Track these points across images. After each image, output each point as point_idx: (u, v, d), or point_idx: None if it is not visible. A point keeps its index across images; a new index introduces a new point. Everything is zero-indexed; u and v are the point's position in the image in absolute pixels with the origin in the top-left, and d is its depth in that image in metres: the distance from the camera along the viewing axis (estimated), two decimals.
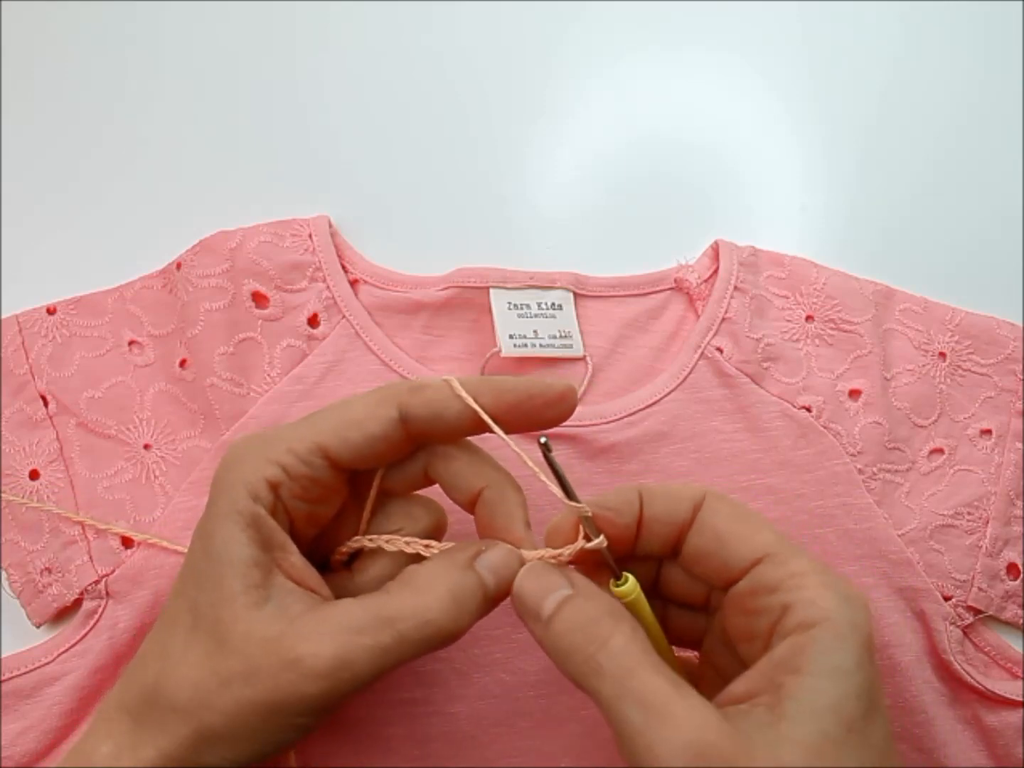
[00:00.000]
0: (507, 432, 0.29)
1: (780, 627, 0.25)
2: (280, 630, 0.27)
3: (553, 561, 0.29)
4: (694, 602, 0.31)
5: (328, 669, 0.26)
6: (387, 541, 0.30)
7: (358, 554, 0.32)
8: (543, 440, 0.28)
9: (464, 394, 0.29)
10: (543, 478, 0.29)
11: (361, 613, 0.27)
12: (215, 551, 0.28)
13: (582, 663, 0.26)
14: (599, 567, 0.30)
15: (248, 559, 0.28)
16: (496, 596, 0.29)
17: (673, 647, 0.31)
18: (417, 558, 0.30)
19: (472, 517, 0.31)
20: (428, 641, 0.27)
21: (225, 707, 0.27)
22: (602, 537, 0.29)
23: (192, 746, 0.27)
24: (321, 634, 0.27)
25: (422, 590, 0.28)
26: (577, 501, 0.28)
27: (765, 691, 0.25)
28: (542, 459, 0.28)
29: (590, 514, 0.28)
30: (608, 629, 0.26)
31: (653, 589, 0.31)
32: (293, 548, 0.29)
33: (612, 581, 0.29)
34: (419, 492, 0.32)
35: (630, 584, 0.29)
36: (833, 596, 0.25)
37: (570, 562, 0.29)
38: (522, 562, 0.29)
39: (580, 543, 0.29)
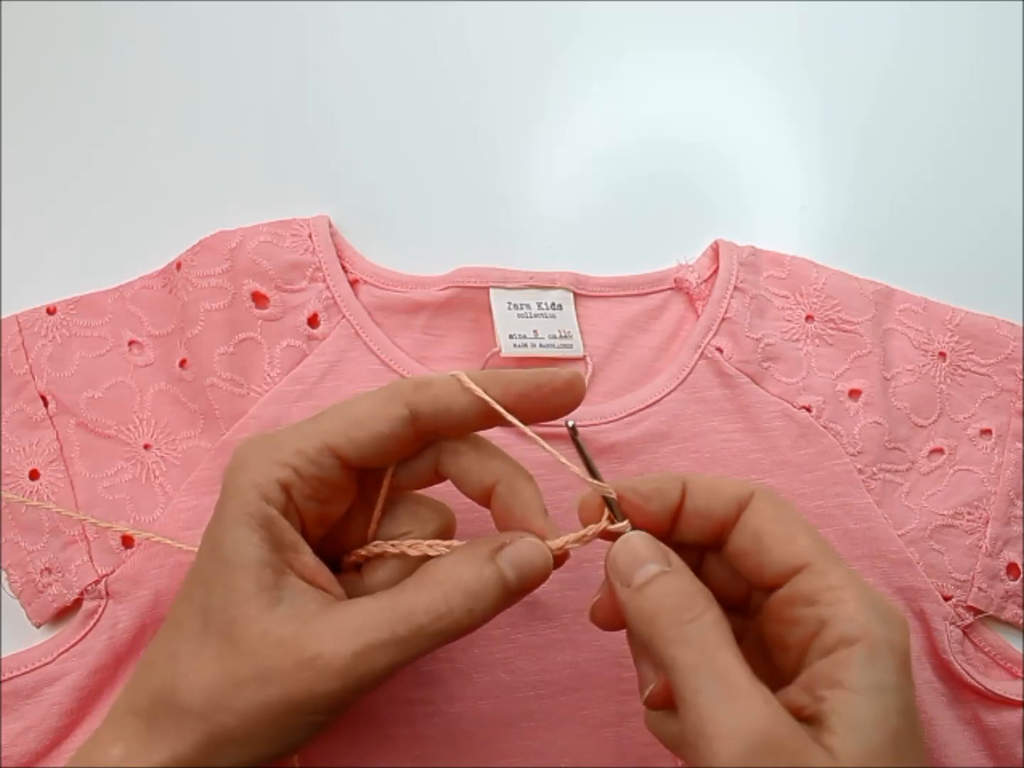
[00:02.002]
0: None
1: (818, 641, 0.25)
2: (295, 630, 0.27)
3: (576, 545, 0.29)
4: (735, 601, 0.30)
5: (346, 667, 0.26)
6: (410, 546, 0.30)
7: (370, 560, 0.32)
8: (570, 423, 0.28)
9: (474, 387, 0.29)
10: (562, 460, 0.29)
11: (377, 610, 0.28)
12: (226, 553, 0.28)
13: (668, 628, 0.26)
14: None
15: (260, 560, 0.28)
16: (519, 590, 0.29)
17: None
18: None
19: (480, 516, 0.31)
20: (444, 633, 0.27)
21: (240, 708, 0.27)
22: (626, 522, 0.29)
23: (206, 748, 0.27)
24: (338, 632, 0.27)
25: (439, 583, 0.28)
26: (601, 481, 0.28)
27: (808, 705, 0.25)
28: (527, 447, 0.28)
29: (613, 495, 0.29)
30: (702, 606, 0.26)
31: None
32: (306, 548, 0.29)
33: None
34: (429, 493, 0.32)
35: None
36: (871, 613, 0.25)
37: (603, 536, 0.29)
38: (549, 555, 0.29)
39: (603, 523, 0.29)
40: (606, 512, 0.29)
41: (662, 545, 0.28)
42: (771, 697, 0.24)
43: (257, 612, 0.27)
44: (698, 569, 0.31)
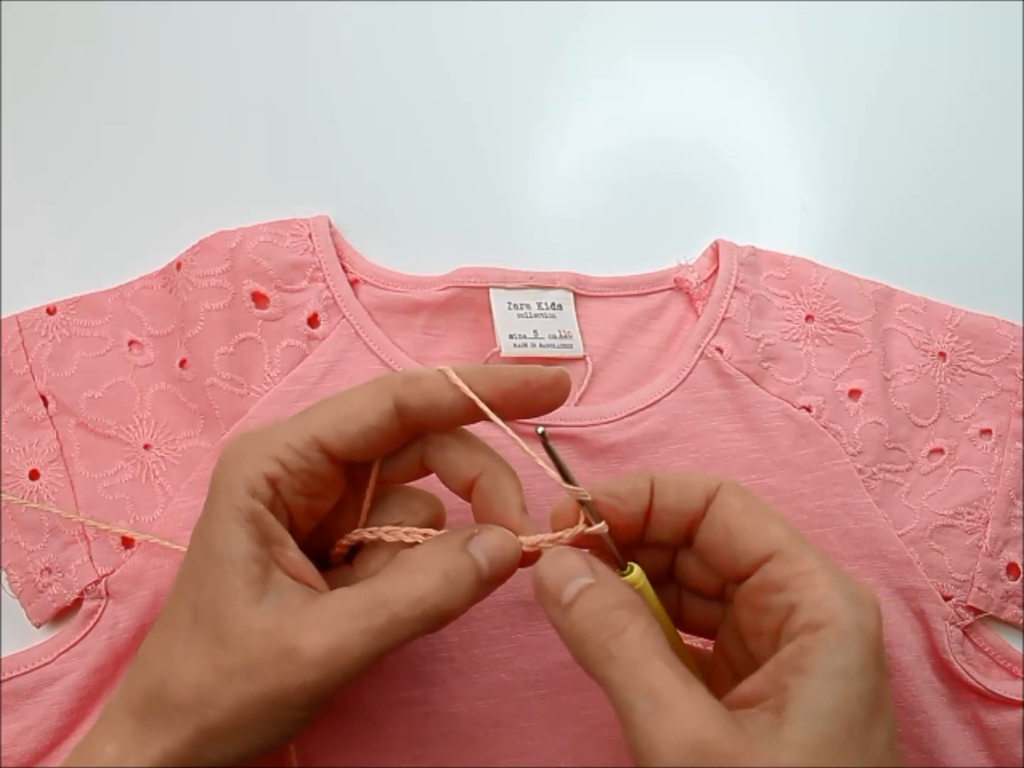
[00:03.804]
0: (503, 420, 0.29)
1: (786, 627, 0.25)
2: (276, 623, 0.27)
3: (551, 545, 0.29)
4: (709, 592, 0.31)
5: (324, 657, 0.27)
6: (387, 532, 0.31)
7: (358, 549, 0.32)
8: (540, 430, 0.28)
9: (460, 383, 0.29)
10: (540, 463, 0.29)
11: (355, 599, 0.28)
12: (214, 549, 0.28)
13: (596, 649, 0.26)
14: (605, 555, 0.30)
15: (247, 555, 0.28)
16: (491, 578, 0.29)
17: (688, 634, 0.32)
18: None
19: (470, 510, 0.31)
20: (421, 620, 0.28)
21: (227, 703, 0.27)
22: (603, 523, 0.29)
23: (195, 743, 0.27)
24: (317, 623, 0.27)
25: (414, 570, 0.28)
26: (575, 486, 0.29)
27: (771, 693, 0.25)
28: (538, 446, 0.29)
29: (589, 498, 0.29)
30: (625, 619, 0.26)
31: (668, 576, 0.31)
32: (291, 543, 0.29)
33: (617, 571, 0.29)
34: (417, 484, 0.33)
35: (635, 574, 0.29)
36: (840, 597, 0.25)
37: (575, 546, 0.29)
38: (518, 545, 0.29)
39: (580, 527, 0.29)
40: (582, 516, 0.29)
41: (586, 555, 0.28)
42: (706, 701, 0.24)
43: (243, 606, 0.27)
44: (671, 566, 0.31)
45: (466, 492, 0.31)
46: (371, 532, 0.31)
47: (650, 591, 0.29)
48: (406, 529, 0.31)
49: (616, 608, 0.26)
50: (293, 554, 0.29)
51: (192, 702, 0.27)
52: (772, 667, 0.25)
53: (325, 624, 0.27)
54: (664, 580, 0.31)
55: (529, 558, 0.30)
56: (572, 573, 0.27)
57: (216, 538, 0.28)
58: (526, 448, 0.29)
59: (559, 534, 0.29)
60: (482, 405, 0.29)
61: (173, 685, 0.28)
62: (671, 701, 0.24)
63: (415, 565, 0.29)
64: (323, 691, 0.27)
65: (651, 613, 0.27)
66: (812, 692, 0.24)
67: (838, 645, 0.24)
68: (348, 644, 0.27)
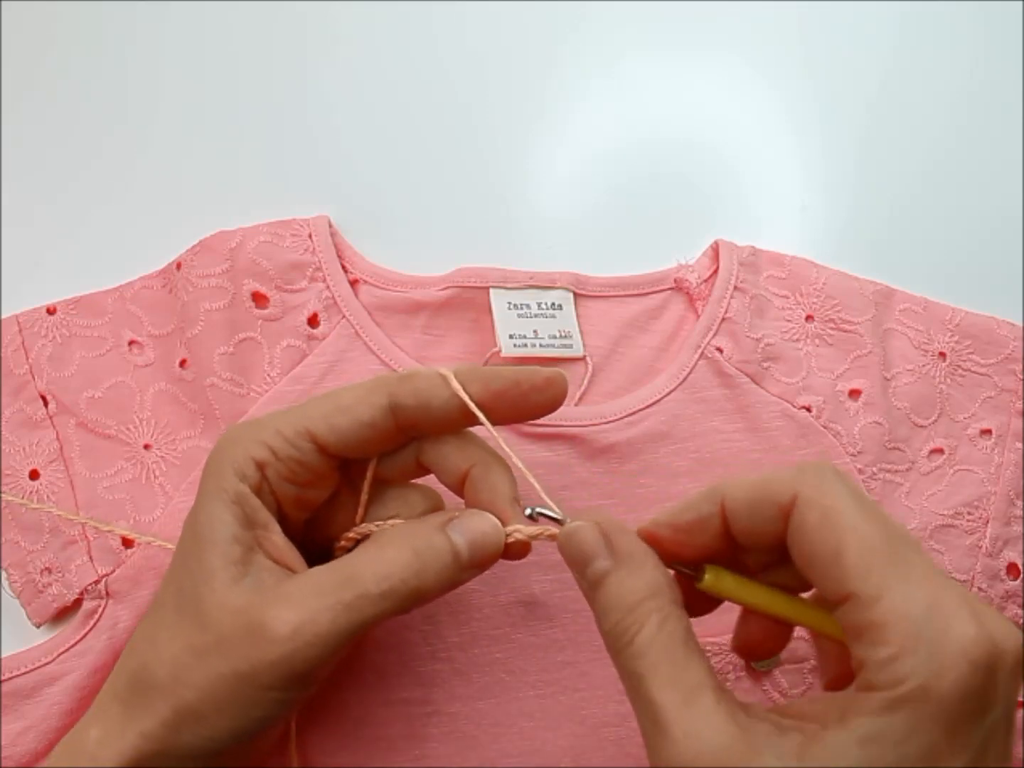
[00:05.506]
0: (500, 422, 0.29)
1: (860, 679, 0.23)
2: (249, 600, 0.27)
3: (548, 540, 0.29)
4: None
5: (291, 633, 0.26)
6: (391, 526, 0.31)
7: (360, 543, 0.32)
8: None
9: (453, 382, 0.29)
10: (530, 479, 0.29)
11: (326, 575, 0.28)
12: (199, 530, 0.28)
13: (626, 645, 0.25)
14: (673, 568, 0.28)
15: (229, 536, 0.28)
16: (471, 563, 0.29)
17: None
18: None
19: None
20: (388, 596, 0.27)
21: (199, 682, 0.27)
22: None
23: (171, 724, 0.27)
24: (286, 599, 0.27)
25: (384, 546, 0.28)
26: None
27: (814, 721, 0.23)
28: (527, 447, 0.29)
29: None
30: (646, 612, 0.25)
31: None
32: (276, 528, 0.29)
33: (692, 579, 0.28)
34: (416, 481, 0.33)
35: (708, 580, 0.27)
36: (912, 659, 0.22)
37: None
38: (502, 532, 0.29)
39: None
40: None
41: (602, 529, 0.27)
42: (726, 708, 0.23)
43: (221, 586, 0.27)
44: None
45: (460, 487, 0.31)
46: (378, 526, 0.31)
47: (742, 590, 0.27)
48: (411, 521, 0.31)
49: (644, 600, 0.25)
50: (277, 538, 0.29)
51: (167, 681, 0.27)
52: (829, 700, 0.24)
53: (294, 600, 0.27)
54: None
55: (517, 550, 0.30)
56: (590, 554, 0.27)
57: (201, 519, 0.28)
58: (505, 447, 0.29)
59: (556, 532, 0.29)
60: (471, 405, 0.29)
61: (153, 667, 0.28)
62: (701, 708, 0.23)
63: (386, 542, 0.29)
64: (293, 669, 0.27)
65: (670, 603, 0.25)
66: (839, 746, 0.22)
67: (884, 712, 0.22)
68: (315, 619, 0.27)
